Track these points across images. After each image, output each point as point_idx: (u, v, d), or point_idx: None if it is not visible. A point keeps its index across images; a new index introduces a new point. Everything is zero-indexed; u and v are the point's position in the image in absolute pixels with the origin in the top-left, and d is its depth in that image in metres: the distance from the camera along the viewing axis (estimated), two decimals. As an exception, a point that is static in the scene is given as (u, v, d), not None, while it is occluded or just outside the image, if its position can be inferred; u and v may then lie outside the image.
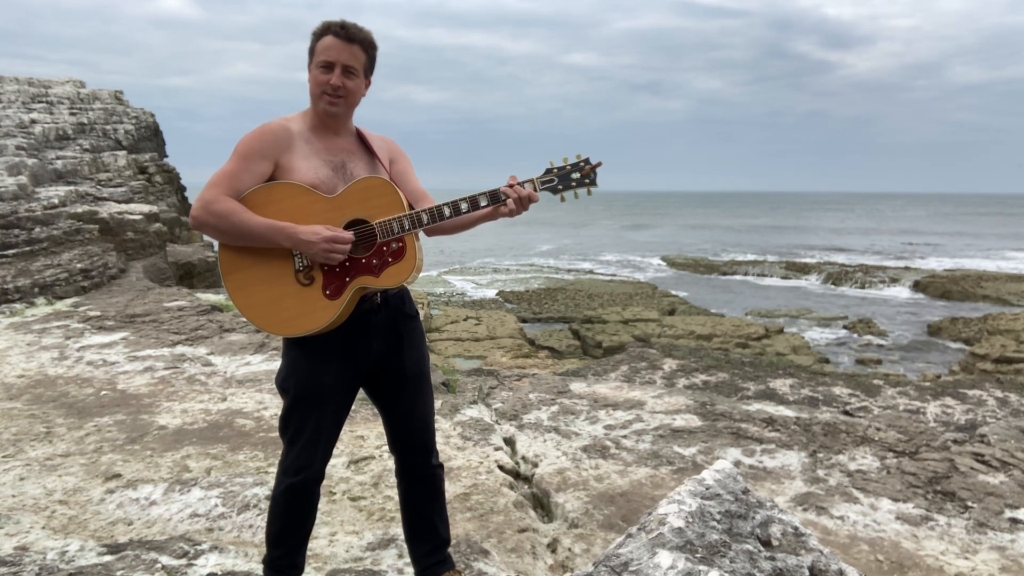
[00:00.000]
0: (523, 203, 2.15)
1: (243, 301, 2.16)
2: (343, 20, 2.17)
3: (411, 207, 2.24)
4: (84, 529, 3.28)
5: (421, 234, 2.23)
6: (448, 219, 2.18)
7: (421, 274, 2.33)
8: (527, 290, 35.19)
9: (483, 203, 2.17)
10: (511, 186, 2.15)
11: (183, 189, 19.64)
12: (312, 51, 2.18)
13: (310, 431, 2.27)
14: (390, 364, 2.32)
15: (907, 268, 45.03)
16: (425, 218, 2.15)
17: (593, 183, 2.25)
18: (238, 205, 2.08)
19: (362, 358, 2.27)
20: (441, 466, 2.53)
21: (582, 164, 2.23)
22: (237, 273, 2.16)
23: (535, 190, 2.19)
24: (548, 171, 2.24)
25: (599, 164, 2.25)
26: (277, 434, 4.42)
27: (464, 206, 2.17)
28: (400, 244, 2.16)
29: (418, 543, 2.50)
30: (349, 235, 2.11)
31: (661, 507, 1.82)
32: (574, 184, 2.23)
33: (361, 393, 2.42)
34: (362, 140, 2.32)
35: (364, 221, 2.15)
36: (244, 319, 8.11)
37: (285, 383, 2.28)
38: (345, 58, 2.14)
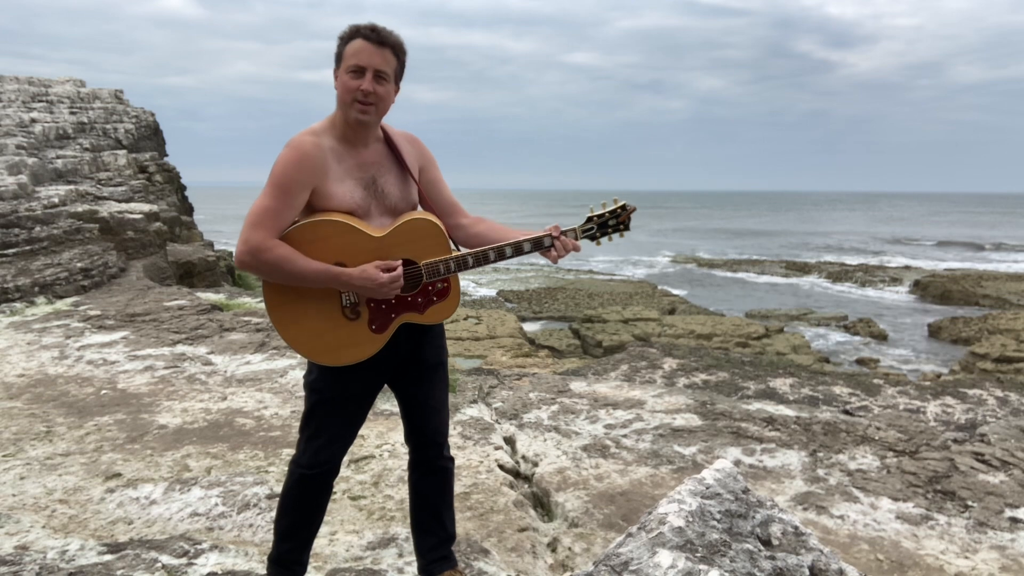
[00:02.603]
0: (567, 253, 2.24)
1: (290, 335, 2.17)
2: (372, 23, 2.10)
3: (450, 237, 2.26)
4: (84, 528, 3.28)
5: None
6: (493, 262, 2.23)
7: None
8: (527, 289, 35.19)
9: (526, 249, 2.23)
10: (556, 237, 2.21)
11: (183, 188, 19.64)
12: (340, 56, 2.10)
13: (335, 429, 2.30)
14: (413, 357, 2.34)
15: (907, 268, 45.05)
16: (471, 261, 2.19)
17: (627, 227, 2.35)
18: (289, 251, 2.04)
19: (390, 362, 2.29)
20: (453, 459, 2.54)
21: (619, 211, 2.32)
22: (283, 308, 2.16)
23: (576, 238, 2.28)
24: (589, 219, 2.32)
25: (634, 209, 2.35)
26: (277, 433, 4.43)
27: (509, 251, 2.22)
28: (445, 284, 2.23)
29: (424, 536, 2.51)
30: (400, 270, 2.11)
31: (661, 506, 1.82)
32: (610, 230, 2.33)
33: None
34: (389, 147, 2.26)
35: (411, 261, 2.17)
36: (245, 318, 8.10)
37: (315, 384, 2.28)
38: (377, 62, 2.07)
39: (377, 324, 2.19)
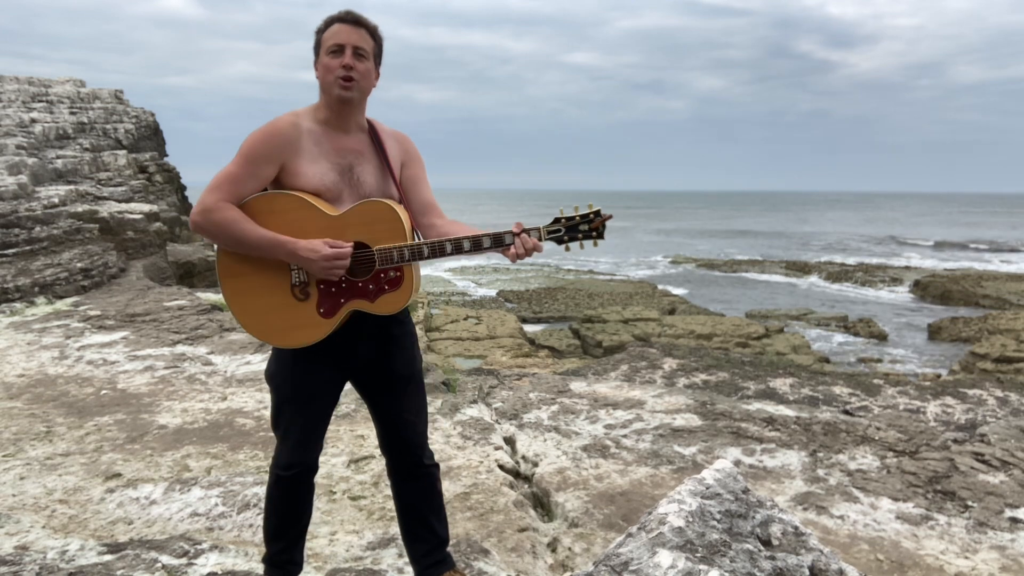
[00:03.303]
0: (528, 253, 2.11)
1: (238, 307, 2.17)
2: (347, 9, 2.17)
3: (415, 231, 2.22)
4: (84, 528, 3.28)
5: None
6: (449, 254, 2.14)
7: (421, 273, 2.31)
8: (527, 289, 35.19)
9: (486, 244, 2.13)
10: (517, 234, 2.10)
11: (183, 188, 19.65)
12: (318, 44, 2.16)
13: (298, 430, 2.29)
14: (379, 366, 2.31)
15: (907, 268, 45.06)
16: (426, 251, 2.12)
17: (600, 236, 2.17)
18: (238, 214, 2.06)
19: (350, 361, 2.28)
20: (436, 465, 2.49)
21: (592, 216, 2.15)
22: (234, 279, 2.16)
23: (540, 239, 2.14)
24: (556, 220, 2.17)
25: (610, 216, 2.17)
26: (277, 433, 4.43)
27: (466, 244, 2.12)
28: (398, 273, 2.14)
29: (415, 543, 2.48)
30: (348, 249, 2.08)
31: (661, 506, 1.82)
32: (580, 236, 2.16)
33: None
34: (374, 139, 2.26)
35: (365, 245, 2.12)
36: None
37: (273, 379, 2.30)
38: (355, 39, 2.13)
39: (326, 308, 2.14)
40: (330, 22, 2.16)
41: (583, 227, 2.15)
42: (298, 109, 2.22)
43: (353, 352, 2.25)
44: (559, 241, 2.16)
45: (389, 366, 2.31)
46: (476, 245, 2.12)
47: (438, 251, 2.11)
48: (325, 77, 2.14)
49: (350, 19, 2.15)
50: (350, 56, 2.11)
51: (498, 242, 2.12)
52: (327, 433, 4.53)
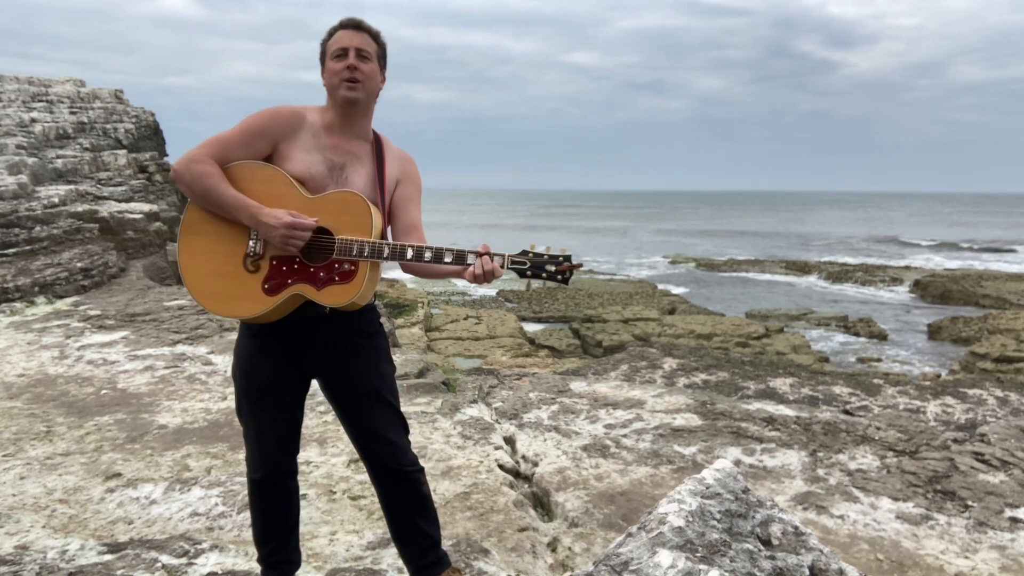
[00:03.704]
0: (487, 275, 2.08)
1: (187, 264, 2.18)
2: (349, 16, 2.25)
3: (382, 236, 2.20)
4: (84, 528, 3.29)
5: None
6: (409, 260, 2.12)
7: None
8: (527, 289, 35.20)
9: (446, 259, 2.11)
10: (480, 255, 2.09)
11: (183, 188, 19.61)
12: (324, 53, 2.21)
13: (256, 427, 2.28)
14: (341, 379, 2.28)
15: (907, 268, 45.06)
16: (386, 251, 2.11)
17: (565, 281, 2.14)
18: (216, 170, 2.10)
19: (305, 363, 2.26)
20: (420, 469, 2.43)
21: (560, 259, 2.13)
22: (193, 236, 2.17)
23: (503, 266, 2.11)
24: (524, 253, 2.15)
25: (579, 265, 2.16)
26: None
27: (427, 255, 2.11)
28: (353, 267, 2.12)
29: (405, 546, 2.44)
30: (310, 222, 2.08)
31: (661, 506, 1.82)
32: (544, 276, 2.13)
33: None
34: (376, 150, 2.27)
35: (329, 232, 2.12)
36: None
37: (233, 371, 2.33)
38: (357, 42, 2.17)
39: (271, 285, 2.12)
40: (333, 31, 2.21)
41: (548, 267, 2.13)
42: (308, 105, 2.26)
43: (309, 355, 2.24)
44: (521, 274, 2.13)
45: (352, 383, 2.27)
46: (437, 257, 2.11)
47: (398, 254, 2.11)
48: (331, 80, 2.18)
49: (351, 25, 2.20)
50: (354, 57, 2.16)
51: (460, 259, 2.10)
52: (330, 434, 4.53)
